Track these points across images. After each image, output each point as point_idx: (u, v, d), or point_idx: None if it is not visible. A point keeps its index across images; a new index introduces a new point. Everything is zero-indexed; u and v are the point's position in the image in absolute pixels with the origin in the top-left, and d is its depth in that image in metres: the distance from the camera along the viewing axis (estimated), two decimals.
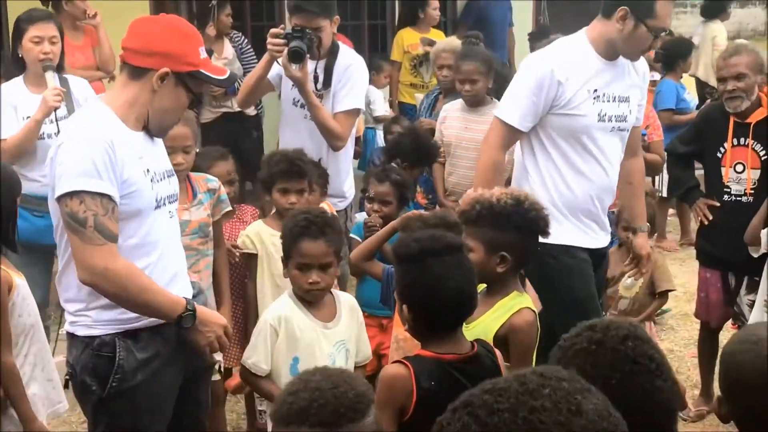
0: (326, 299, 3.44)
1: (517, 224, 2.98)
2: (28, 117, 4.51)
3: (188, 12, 8.16)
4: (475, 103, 5.40)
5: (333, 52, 4.61)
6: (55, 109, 4.39)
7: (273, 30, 4.46)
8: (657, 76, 7.75)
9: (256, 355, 3.35)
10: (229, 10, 7.24)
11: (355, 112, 4.70)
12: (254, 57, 7.48)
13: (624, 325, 1.90)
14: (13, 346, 3.39)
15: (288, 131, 4.77)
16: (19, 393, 3.30)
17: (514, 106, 3.87)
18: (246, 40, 7.55)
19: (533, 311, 2.99)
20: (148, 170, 2.92)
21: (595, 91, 3.83)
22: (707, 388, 4.94)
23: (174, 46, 2.90)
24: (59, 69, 4.69)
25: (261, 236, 4.08)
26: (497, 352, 2.76)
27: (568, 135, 3.85)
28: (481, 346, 2.67)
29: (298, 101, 4.63)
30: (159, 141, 3.10)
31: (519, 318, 2.93)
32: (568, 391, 1.37)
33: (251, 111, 7.20)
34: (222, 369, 4.10)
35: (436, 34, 8.52)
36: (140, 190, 2.87)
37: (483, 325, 2.94)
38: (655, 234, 4.82)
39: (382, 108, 8.06)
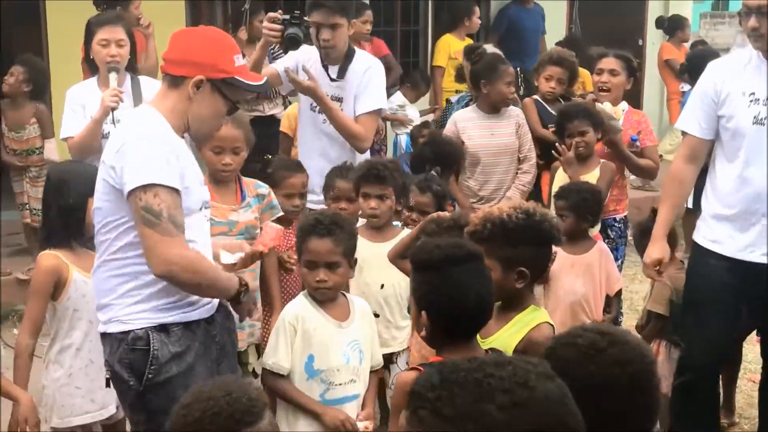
0: (340, 300, 3.51)
1: (531, 237, 2.95)
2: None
3: (223, 15, 8.26)
4: (496, 107, 5.53)
5: (349, 56, 4.64)
6: (113, 109, 4.47)
7: (270, 14, 4.46)
8: (686, 87, 7.72)
9: (276, 355, 3.40)
10: (262, 15, 7.28)
11: (377, 113, 4.73)
12: None
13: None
14: (63, 337, 3.57)
15: (308, 136, 4.79)
16: (19, 373, 3.49)
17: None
18: (278, 45, 7.58)
19: (551, 325, 2.99)
20: (195, 173, 3.07)
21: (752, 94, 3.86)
22: (729, 401, 4.93)
23: (208, 55, 3.00)
24: (132, 70, 4.83)
25: None
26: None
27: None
28: (495, 353, 2.70)
29: (316, 107, 4.66)
30: (193, 150, 3.22)
31: (538, 333, 2.91)
32: (527, 370, 1.50)
33: (281, 114, 7.25)
34: (254, 370, 4.15)
35: (466, 42, 8.56)
36: (192, 189, 2.99)
37: (500, 341, 2.93)
38: (676, 246, 4.76)
39: (414, 114, 8.09)
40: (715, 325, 4.03)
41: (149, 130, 2.93)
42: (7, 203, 7.17)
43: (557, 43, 8.55)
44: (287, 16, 4.38)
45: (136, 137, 2.90)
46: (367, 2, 8.60)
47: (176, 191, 2.87)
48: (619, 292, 4.69)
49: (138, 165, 2.84)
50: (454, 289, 2.54)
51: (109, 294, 3.01)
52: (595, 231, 5.03)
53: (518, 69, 7.54)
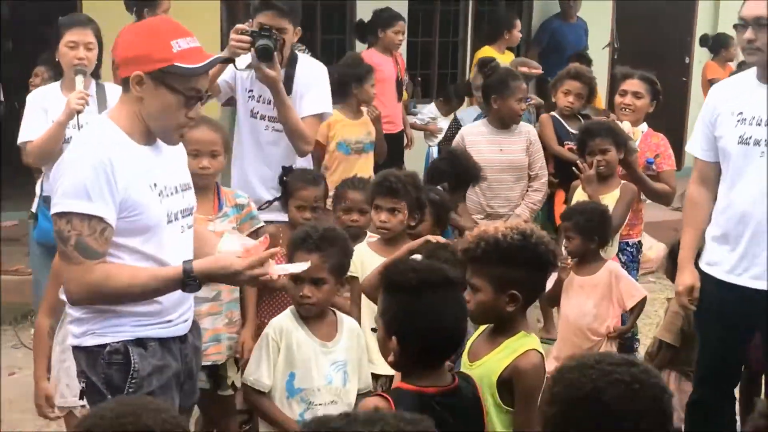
0: (328, 319, 3.41)
1: (525, 260, 2.82)
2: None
3: None
4: (506, 123, 5.43)
5: (293, 61, 4.53)
6: (78, 112, 4.34)
7: (238, 26, 4.34)
8: None
9: (258, 371, 3.33)
10: None
11: (321, 117, 4.62)
12: None
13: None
14: None
15: (247, 144, 4.59)
16: (38, 352, 3.59)
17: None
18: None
19: (540, 353, 2.85)
20: (155, 185, 2.86)
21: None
22: None
23: (140, 47, 2.82)
24: (96, 76, 4.69)
25: (363, 259, 3.94)
26: (478, 385, 2.69)
27: None
28: (462, 379, 2.60)
29: (257, 113, 4.54)
30: (172, 154, 3.01)
31: (525, 360, 2.77)
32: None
33: None
34: (233, 383, 4.09)
35: (508, 56, 8.46)
36: (146, 206, 2.82)
37: (486, 366, 2.82)
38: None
39: (445, 126, 8.00)
40: (715, 350, 3.91)
41: (84, 152, 2.78)
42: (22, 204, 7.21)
43: (569, 58, 8.42)
44: (256, 28, 4.29)
45: (69, 159, 2.79)
46: (404, 11, 8.55)
47: (97, 218, 2.72)
48: (637, 307, 4.54)
49: (62, 191, 2.74)
50: (430, 315, 2.45)
51: (82, 308, 2.87)
52: (612, 253, 4.91)
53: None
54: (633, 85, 5.30)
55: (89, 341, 2.87)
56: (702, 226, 4.01)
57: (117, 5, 6.71)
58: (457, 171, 5.08)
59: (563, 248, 4.64)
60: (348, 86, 5.89)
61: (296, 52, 4.61)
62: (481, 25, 9.45)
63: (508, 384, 2.76)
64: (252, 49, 4.24)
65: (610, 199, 4.90)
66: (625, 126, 5.08)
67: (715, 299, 3.86)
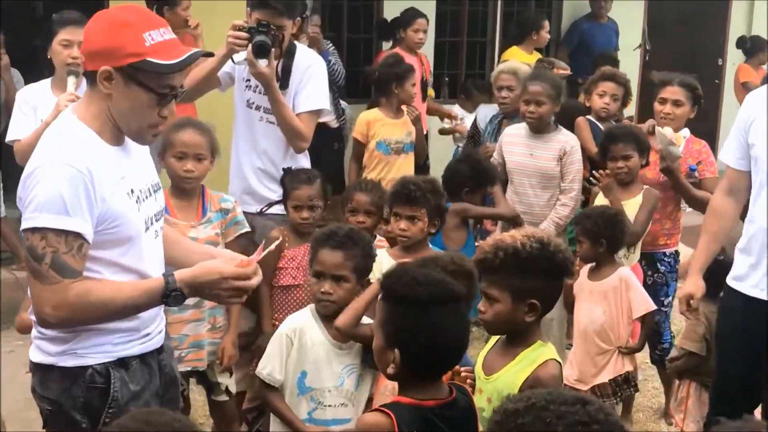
0: None
1: (544, 268, 2.77)
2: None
3: None
4: (538, 128, 5.21)
5: (290, 53, 4.46)
6: None
7: (235, 22, 4.29)
8: None
9: (271, 366, 3.33)
10: (316, 20, 7.24)
11: (317, 113, 4.55)
12: (342, 71, 7.49)
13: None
14: None
15: (242, 136, 4.53)
16: None
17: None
18: (333, 49, 7.54)
19: (558, 362, 2.83)
20: (132, 191, 2.67)
21: None
22: None
23: (109, 40, 2.55)
24: None
25: (382, 266, 3.86)
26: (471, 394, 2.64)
27: None
28: (458, 390, 2.55)
29: (253, 103, 4.49)
30: (139, 152, 2.79)
31: (545, 371, 2.75)
32: None
33: (333, 123, 7.19)
34: (227, 389, 4.08)
35: (535, 57, 8.37)
36: (126, 216, 2.62)
37: (505, 379, 2.79)
38: None
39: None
40: (735, 366, 3.80)
41: (61, 160, 2.51)
42: None
43: (594, 60, 8.32)
44: (254, 24, 4.25)
45: (41, 169, 2.52)
46: (432, 11, 8.50)
47: (74, 234, 2.49)
48: (647, 319, 4.45)
49: (32, 204, 2.49)
50: (436, 329, 2.40)
51: (66, 332, 2.64)
52: (633, 261, 4.82)
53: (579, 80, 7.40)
54: (672, 92, 5.05)
55: (69, 362, 2.65)
56: (720, 237, 3.91)
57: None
58: (474, 173, 5.03)
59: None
60: (389, 85, 5.87)
61: (295, 43, 4.56)
62: (509, 26, 9.36)
63: None
64: (249, 45, 4.21)
65: (632, 205, 4.81)
66: (667, 131, 4.86)
67: (737, 315, 3.75)
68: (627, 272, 4.49)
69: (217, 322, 3.97)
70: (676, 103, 5.05)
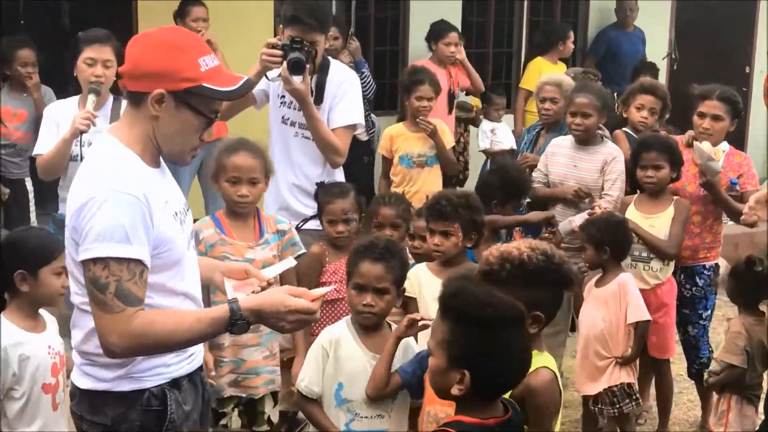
0: (383, 331, 3.42)
1: (550, 280, 2.80)
2: None
3: None
4: (584, 139, 5.17)
5: (324, 68, 4.48)
6: (81, 132, 4.27)
7: (269, 40, 4.32)
8: None
9: (308, 377, 3.37)
10: (334, 32, 7.23)
11: (352, 128, 4.57)
12: (373, 84, 7.50)
13: None
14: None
15: (277, 152, 4.52)
16: None
17: None
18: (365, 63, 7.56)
19: (552, 371, 2.82)
20: (176, 213, 2.69)
21: None
22: None
23: (165, 63, 2.55)
24: (116, 93, 4.56)
25: (421, 281, 3.95)
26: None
27: None
28: (511, 407, 2.55)
29: (288, 119, 4.52)
30: (169, 173, 2.80)
31: (536, 378, 2.74)
32: None
33: (363, 136, 7.18)
34: (269, 419, 4.08)
35: (560, 67, 8.36)
36: (175, 240, 2.65)
37: None
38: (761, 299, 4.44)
39: (509, 140, 7.87)
40: None
41: (118, 187, 2.51)
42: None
43: (635, 69, 8.27)
44: (287, 42, 4.27)
45: (100, 195, 2.50)
46: (458, 22, 8.50)
47: (135, 261, 2.50)
48: (639, 327, 4.42)
49: (92, 233, 2.48)
50: (504, 350, 2.40)
51: None
52: (667, 273, 4.79)
53: (615, 94, 7.34)
54: (712, 107, 4.97)
55: (125, 386, 2.65)
56: None
57: (173, 5, 6.78)
58: (504, 185, 5.01)
59: None
60: (403, 99, 5.88)
61: (328, 58, 4.58)
62: (534, 36, 9.35)
63: (521, 402, 2.71)
64: (284, 62, 4.23)
65: (665, 218, 4.79)
66: (706, 146, 4.83)
67: None
68: (626, 278, 4.49)
69: (274, 349, 3.99)
70: (716, 118, 4.98)
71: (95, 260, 2.48)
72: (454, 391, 2.43)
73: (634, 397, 4.43)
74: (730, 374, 4.31)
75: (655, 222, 4.78)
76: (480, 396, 2.44)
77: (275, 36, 7.49)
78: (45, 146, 4.46)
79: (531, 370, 2.70)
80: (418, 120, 5.87)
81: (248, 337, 3.82)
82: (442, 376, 2.47)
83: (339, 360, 3.34)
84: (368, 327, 3.38)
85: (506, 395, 2.66)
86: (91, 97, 4.40)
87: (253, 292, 2.89)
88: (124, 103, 4.40)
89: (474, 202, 4.11)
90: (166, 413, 2.66)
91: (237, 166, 3.85)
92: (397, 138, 5.87)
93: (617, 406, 4.40)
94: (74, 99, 4.63)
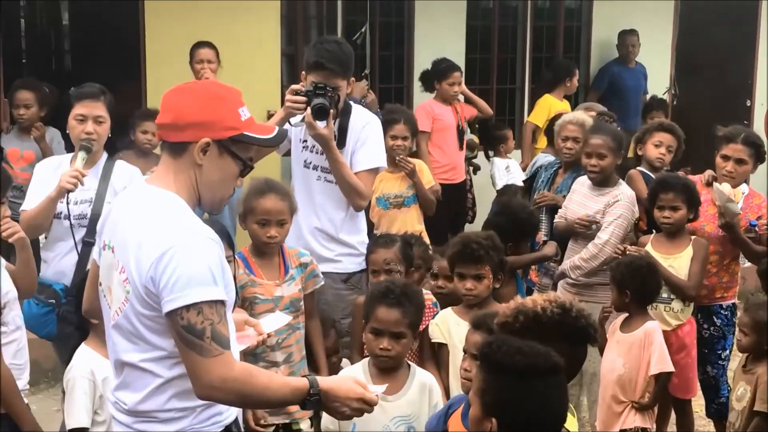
0: (399, 372, 3.46)
1: (565, 334, 2.73)
2: None
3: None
4: (600, 181, 5.14)
5: (346, 112, 4.50)
6: (68, 191, 4.17)
7: (293, 87, 4.36)
8: None
9: (326, 416, 3.40)
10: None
11: (375, 171, 4.61)
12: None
13: None
14: None
15: (300, 196, 4.50)
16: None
17: None
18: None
19: (567, 429, 2.71)
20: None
21: None
22: None
23: (209, 113, 2.63)
24: (112, 151, 4.47)
25: (448, 325, 3.98)
26: None
27: None
28: None
29: (311, 163, 4.54)
30: None
31: None
32: None
33: None
34: None
35: (565, 104, 8.40)
36: (232, 283, 2.74)
37: None
38: None
39: (521, 176, 7.84)
40: None
41: (196, 235, 2.56)
42: None
43: (646, 106, 8.32)
44: (310, 87, 4.30)
45: (180, 248, 2.52)
46: (462, 60, 8.54)
47: (221, 302, 2.56)
48: (661, 378, 4.36)
49: (184, 281, 2.49)
50: (535, 402, 2.37)
51: (181, 411, 2.65)
52: (688, 314, 4.78)
53: (619, 128, 7.35)
54: (737, 150, 4.97)
55: None
56: None
57: (179, 6, 6.78)
58: (514, 226, 4.97)
59: None
60: None
61: (350, 102, 4.61)
62: (538, 73, 9.40)
63: None
64: (307, 108, 4.26)
65: (684, 258, 4.79)
66: (725, 188, 4.84)
67: None
68: (653, 327, 4.42)
69: (305, 373, 3.98)
70: (740, 162, 4.99)
71: (187, 308, 2.50)
72: None
73: None
74: (761, 425, 4.22)
75: (674, 263, 4.78)
76: None
77: (282, 79, 7.67)
78: (30, 203, 4.32)
79: None
80: (397, 160, 5.81)
81: (283, 368, 3.95)
82: (477, 425, 2.46)
83: None
84: (384, 369, 3.44)
85: None
86: (81, 154, 4.28)
87: (251, 345, 3.05)
88: (118, 165, 4.45)
89: (499, 243, 4.16)
90: None
91: (266, 210, 3.93)
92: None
93: None
94: (67, 156, 4.52)
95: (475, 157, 8.29)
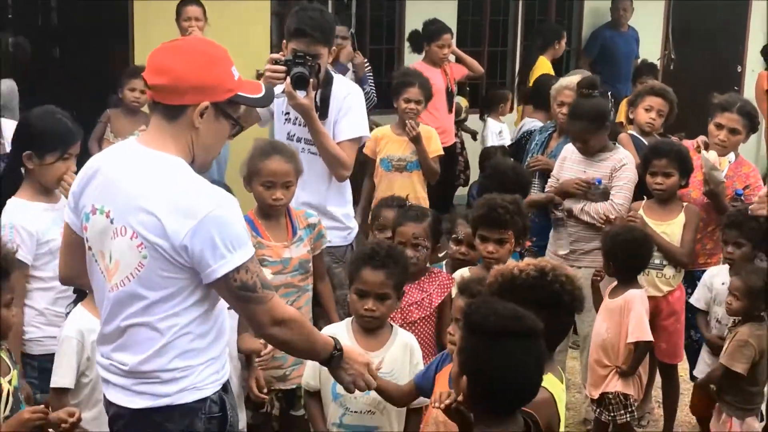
0: (381, 331, 3.48)
1: (540, 298, 2.69)
2: None
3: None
4: (592, 153, 5.07)
5: (328, 82, 4.45)
6: None
7: (272, 56, 4.28)
8: None
9: (308, 372, 3.47)
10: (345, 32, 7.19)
11: (358, 141, 4.55)
12: (375, 99, 7.40)
13: None
14: None
15: None
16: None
17: None
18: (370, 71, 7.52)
19: (550, 393, 2.72)
20: None
21: None
22: None
23: (210, 77, 2.61)
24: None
25: None
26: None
27: None
28: (532, 422, 2.50)
29: (294, 135, 4.48)
30: None
31: None
32: None
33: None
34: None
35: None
36: None
37: None
38: None
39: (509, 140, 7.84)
40: None
41: (219, 193, 2.60)
42: None
43: (637, 69, 8.30)
44: (290, 56, 4.23)
45: (213, 214, 2.53)
46: (453, 22, 8.47)
47: (254, 255, 2.64)
48: (639, 346, 4.32)
49: (227, 245, 2.53)
50: (503, 363, 2.35)
51: (184, 370, 2.64)
52: (678, 280, 4.79)
53: (610, 94, 7.32)
54: (731, 120, 4.92)
55: (188, 397, 2.64)
56: None
57: (169, 5, 6.71)
58: (507, 188, 4.91)
59: None
60: (393, 100, 5.82)
61: (332, 72, 4.55)
62: (530, 35, 9.35)
63: None
64: (287, 77, 4.19)
65: (676, 225, 4.77)
66: (711, 156, 4.80)
67: None
68: (632, 295, 4.37)
69: None
70: (733, 131, 4.95)
71: (237, 270, 2.56)
72: (460, 397, 2.43)
73: (630, 409, 4.38)
74: (728, 382, 4.28)
75: (667, 229, 4.76)
76: (490, 409, 2.41)
77: (272, 38, 7.58)
78: None
79: None
80: (409, 123, 5.74)
81: None
82: (455, 383, 2.47)
83: None
84: (367, 329, 3.47)
85: None
86: None
87: None
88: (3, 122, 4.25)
89: (524, 208, 4.11)
90: (226, 418, 2.70)
91: (272, 171, 3.88)
92: (381, 140, 5.79)
93: (611, 414, 4.38)
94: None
95: (465, 120, 8.24)
